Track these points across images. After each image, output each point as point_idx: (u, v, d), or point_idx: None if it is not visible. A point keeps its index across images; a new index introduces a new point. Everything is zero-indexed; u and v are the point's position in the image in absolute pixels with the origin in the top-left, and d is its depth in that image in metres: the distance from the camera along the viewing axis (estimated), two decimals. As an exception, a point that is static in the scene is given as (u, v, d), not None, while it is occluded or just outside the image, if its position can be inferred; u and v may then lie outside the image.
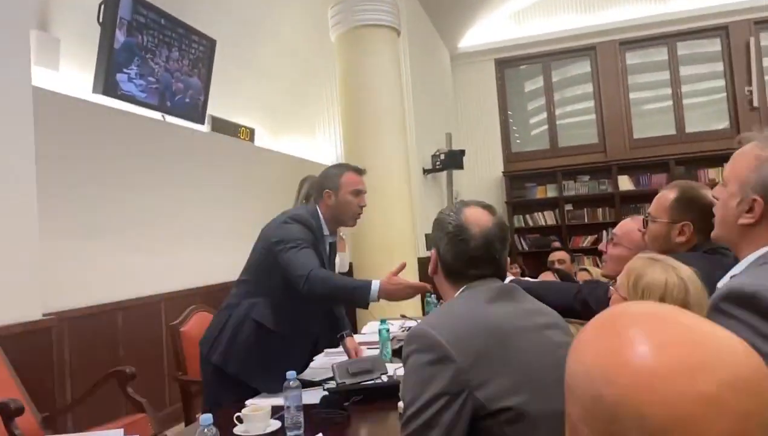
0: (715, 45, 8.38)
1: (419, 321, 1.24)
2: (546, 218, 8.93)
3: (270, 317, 2.19)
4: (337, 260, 3.46)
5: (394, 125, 5.30)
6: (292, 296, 2.13)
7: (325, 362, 2.58)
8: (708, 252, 1.65)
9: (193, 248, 4.51)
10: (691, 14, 8.24)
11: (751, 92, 8.03)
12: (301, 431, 1.65)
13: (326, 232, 2.33)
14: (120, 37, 3.57)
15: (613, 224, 8.73)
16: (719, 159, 8.11)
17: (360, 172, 2.38)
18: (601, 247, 2.11)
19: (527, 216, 9.00)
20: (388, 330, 2.61)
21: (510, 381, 1.06)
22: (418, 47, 6.82)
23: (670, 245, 1.67)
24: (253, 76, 5.42)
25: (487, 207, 1.32)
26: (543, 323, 1.18)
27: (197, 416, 2.91)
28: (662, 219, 1.73)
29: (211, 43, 4.46)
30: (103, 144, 3.76)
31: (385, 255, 5.08)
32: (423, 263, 6.03)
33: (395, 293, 2.00)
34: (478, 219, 1.27)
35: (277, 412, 1.75)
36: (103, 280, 3.75)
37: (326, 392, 1.93)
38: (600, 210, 8.68)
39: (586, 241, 8.69)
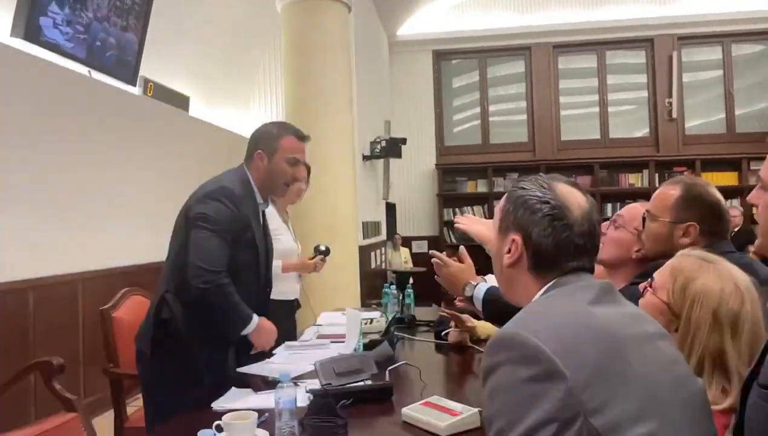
0: (640, 57, 8.77)
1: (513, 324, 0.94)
2: (475, 213, 8.99)
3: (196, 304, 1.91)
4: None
5: (340, 106, 5.05)
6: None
7: (286, 358, 2.32)
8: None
9: (117, 223, 4.04)
10: (620, 24, 8.57)
11: (671, 104, 8.47)
12: (296, 441, 1.41)
13: (259, 199, 2.06)
14: (48, -27, 3.07)
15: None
16: (639, 165, 8.54)
17: (303, 138, 2.09)
18: (603, 228, 1.96)
19: (457, 209, 9.03)
20: (361, 322, 2.39)
21: (633, 404, 0.84)
22: (363, 28, 6.59)
23: (673, 247, 1.54)
24: (190, 41, 4.96)
25: (575, 184, 1.09)
26: (653, 332, 0.95)
27: (131, 415, 2.57)
28: (664, 218, 1.61)
29: (148, -4, 3.99)
30: (18, 97, 3.24)
31: (328, 240, 4.83)
32: (363, 250, 5.84)
33: (262, 337, 1.99)
34: (576, 198, 1.04)
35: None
36: (12, 255, 3.24)
37: (310, 394, 1.68)
38: (526, 208, 8.85)
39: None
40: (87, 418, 2.15)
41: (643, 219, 1.66)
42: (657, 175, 8.45)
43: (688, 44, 8.60)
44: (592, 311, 0.92)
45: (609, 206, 8.49)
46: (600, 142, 8.82)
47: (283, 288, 2.88)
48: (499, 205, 1.13)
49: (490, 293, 1.66)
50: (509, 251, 1.07)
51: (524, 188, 1.07)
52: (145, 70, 4.27)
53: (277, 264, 2.76)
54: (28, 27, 3.06)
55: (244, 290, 1.98)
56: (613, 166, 8.61)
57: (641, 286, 1.32)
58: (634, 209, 1.76)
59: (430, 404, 1.57)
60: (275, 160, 2.00)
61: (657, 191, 1.69)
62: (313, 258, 3.11)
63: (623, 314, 0.96)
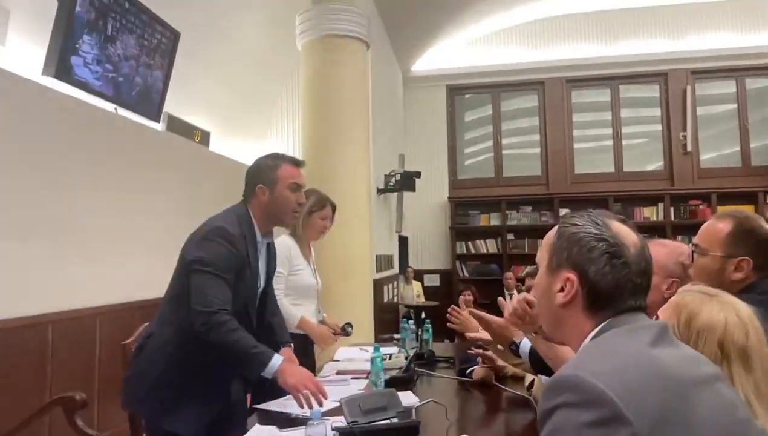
0: (654, 91, 8.82)
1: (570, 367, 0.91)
2: (488, 246, 8.98)
3: (185, 349, 1.87)
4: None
5: (357, 141, 5.10)
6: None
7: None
8: (764, 294, 1.54)
9: (136, 257, 4.07)
10: (634, 59, 8.64)
11: (685, 137, 8.48)
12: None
13: (259, 237, 2.02)
14: (79, 15, 3.17)
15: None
16: (653, 199, 8.50)
17: (298, 163, 2.08)
18: None
19: (469, 243, 9.01)
20: (382, 359, 2.37)
21: None
22: (379, 64, 6.70)
23: (724, 282, 1.54)
24: (212, 76, 5.07)
25: (625, 220, 1.07)
26: (711, 374, 0.93)
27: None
28: (715, 252, 1.61)
29: (174, 36, 4.10)
30: (46, 133, 3.31)
31: (342, 275, 4.83)
32: (376, 284, 5.83)
33: (291, 379, 1.76)
34: (630, 235, 1.02)
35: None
36: (32, 288, 3.26)
37: (335, 433, 1.67)
38: (540, 241, 8.78)
39: (526, 270, 8.79)
40: (108, 455, 2.15)
41: (692, 254, 1.65)
42: (672, 208, 8.41)
43: (701, 78, 8.65)
44: (654, 354, 0.90)
45: (624, 240, 8.42)
46: (614, 176, 8.82)
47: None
48: (547, 242, 1.11)
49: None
50: (562, 290, 1.04)
51: (577, 225, 1.04)
52: (169, 106, 4.36)
53: (294, 316, 2.84)
54: (60, 66, 3.14)
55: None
56: (628, 199, 8.59)
57: None
58: (657, 254, 1.76)
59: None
60: (277, 190, 1.99)
61: (705, 225, 1.68)
62: (337, 334, 3.08)
63: (682, 356, 0.93)
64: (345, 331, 3.09)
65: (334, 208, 3.16)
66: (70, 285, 3.50)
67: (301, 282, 2.94)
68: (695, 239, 1.68)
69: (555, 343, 1.13)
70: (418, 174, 7.06)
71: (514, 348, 1.79)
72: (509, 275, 7.87)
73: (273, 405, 2.14)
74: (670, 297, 1.55)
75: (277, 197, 1.98)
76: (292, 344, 2.26)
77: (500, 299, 1.89)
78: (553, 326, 1.10)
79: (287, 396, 2.27)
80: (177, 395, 1.85)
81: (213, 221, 1.94)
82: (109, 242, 3.84)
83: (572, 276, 1.02)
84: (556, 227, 1.11)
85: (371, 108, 5.82)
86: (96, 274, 3.72)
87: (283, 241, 2.96)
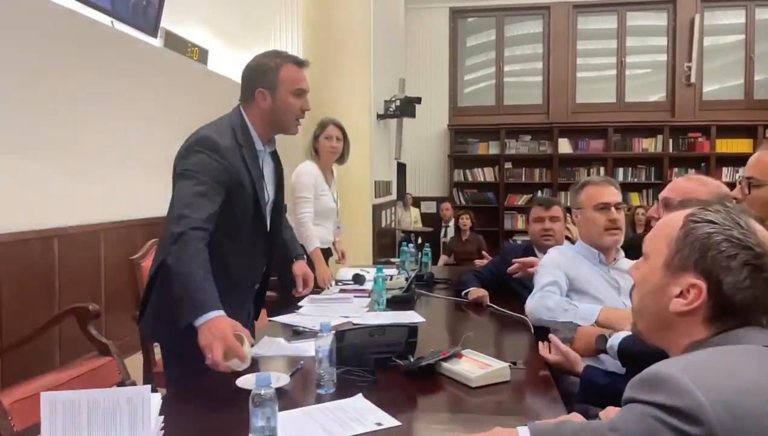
0: (662, 19, 8.59)
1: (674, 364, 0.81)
2: (485, 175, 9.00)
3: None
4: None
5: (358, 62, 5.03)
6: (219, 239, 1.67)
7: (312, 310, 2.40)
8: None
9: (135, 175, 4.07)
10: (643, -16, 8.36)
11: (689, 68, 8.34)
12: (334, 390, 1.48)
13: (259, 146, 1.82)
14: None
15: (548, 185, 8.88)
16: (653, 130, 8.47)
17: (302, 64, 1.83)
18: (651, 212, 1.88)
19: (467, 171, 9.03)
20: (384, 279, 2.45)
21: None
22: (381, -18, 6.46)
23: None
24: (208, -9, 4.89)
25: (761, 219, 0.91)
26: None
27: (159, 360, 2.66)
28: None
29: (170, -55, 3.92)
30: (44, 45, 3.24)
31: (342, 200, 4.87)
32: (375, 209, 5.89)
33: (203, 340, 1.43)
34: None
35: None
36: (38, 203, 3.29)
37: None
38: (537, 171, 8.86)
39: (521, 199, 8.87)
40: (121, 361, 2.26)
41: (748, 187, 1.58)
42: (671, 140, 8.40)
43: (711, 6, 8.40)
44: None
45: (620, 171, 8.48)
46: (615, 106, 8.74)
47: (322, 237, 3.20)
48: (667, 234, 0.93)
49: (625, 343, 1.61)
50: (681, 295, 0.89)
51: (713, 223, 0.88)
52: (166, 22, 4.24)
53: (312, 244, 3.05)
54: (52, -26, 3.03)
55: (248, 250, 1.82)
56: (628, 130, 8.55)
57: None
58: (685, 187, 1.70)
59: (460, 356, 1.63)
60: (279, 96, 1.77)
61: (756, 157, 1.61)
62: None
63: None
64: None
65: (338, 125, 3.22)
66: (72, 201, 3.53)
67: (322, 206, 3.18)
68: (747, 172, 1.61)
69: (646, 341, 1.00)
70: (418, 100, 6.96)
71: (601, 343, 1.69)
72: (446, 205, 8.12)
73: (284, 319, 2.23)
74: None
75: (279, 104, 1.77)
76: (305, 257, 2.24)
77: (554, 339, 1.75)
78: (654, 329, 0.96)
79: (300, 309, 2.37)
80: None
81: (200, 130, 1.77)
82: (109, 159, 3.84)
83: (700, 284, 0.87)
84: (681, 218, 0.92)
85: (372, 29, 5.67)
86: (98, 191, 3.74)
87: (307, 167, 3.16)
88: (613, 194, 2.11)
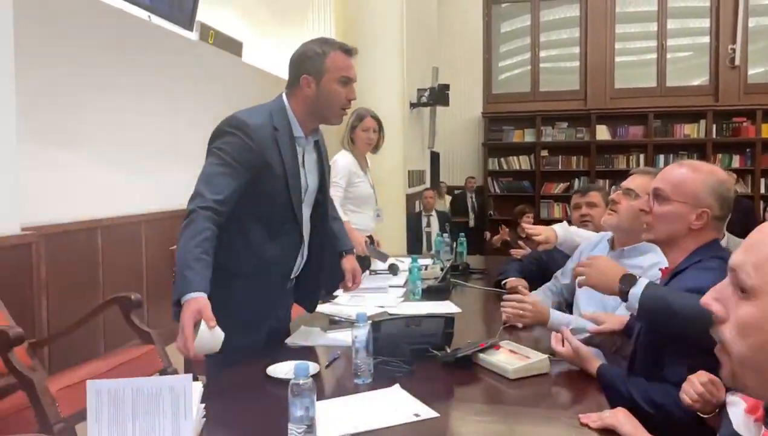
0: (704, 0, 8.29)
1: None
2: (521, 163, 8.88)
3: (226, 255, 1.65)
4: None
5: (391, 51, 4.99)
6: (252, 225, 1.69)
7: (348, 300, 2.40)
8: None
9: (174, 167, 4.16)
10: (686, -35, 8.08)
11: (734, 50, 8.05)
12: (371, 380, 1.48)
13: (298, 132, 1.76)
14: None
15: (586, 173, 8.56)
16: (696, 115, 8.21)
17: (350, 52, 1.78)
18: (641, 205, 1.66)
19: (502, 159, 8.92)
20: (419, 269, 2.44)
21: None
22: (414, -30, 6.40)
23: None
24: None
25: None
26: None
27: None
28: None
29: (205, -61, 3.96)
30: (87, 42, 3.33)
31: (376, 187, 4.88)
32: (409, 199, 5.88)
33: (187, 318, 1.39)
34: None
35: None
36: (80, 194, 3.40)
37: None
38: (574, 158, 8.69)
39: (558, 188, 8.73)
40: (163, 349, 2.31)
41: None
42: (715, 125, 8.14)
43: (758, -14, 8.08)
44: None
45: (662, 158, 8.25)
46: (656, 91, 8.49)
47: (363, 224, 3.25)
48: None
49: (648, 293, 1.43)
50: None
51: None
52: (201, 16, 4.30)
53: (346, 220, 2.92)
54: (92, -29, 3.09)
55: (280, 239, 1.78)
56: (669, 116, 8.31)
57: None
58: (674, 176, 1.50)
59: (499, 348, 1.61)
60: (324, 83, 1.72)
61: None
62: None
63: None
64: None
65: (375, 117, 3.25)
66: (114, 193, 3.62)
67: (360, 193, 3.24)
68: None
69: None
70: (446, 87, 6.90)
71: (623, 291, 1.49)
72: (429, 192, 6.81)
73: (322, 308, 2.24)
74: (697, 229, 1.41)
75: (324, 91, 1.72)
76: (354, 253, 2.15)
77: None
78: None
79: (337, 298, 2.37)
80: (236, 309, 1.67)
81: (235, 113, 1.75)
82: (148, 151, 3.93)
83: None
84: None
85: (405, 18, 5.64)
86: (138, 182, 3.84)
87: (344, 157, 3.21)
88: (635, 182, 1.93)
